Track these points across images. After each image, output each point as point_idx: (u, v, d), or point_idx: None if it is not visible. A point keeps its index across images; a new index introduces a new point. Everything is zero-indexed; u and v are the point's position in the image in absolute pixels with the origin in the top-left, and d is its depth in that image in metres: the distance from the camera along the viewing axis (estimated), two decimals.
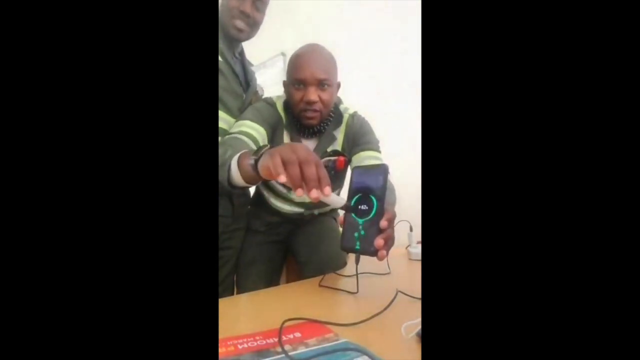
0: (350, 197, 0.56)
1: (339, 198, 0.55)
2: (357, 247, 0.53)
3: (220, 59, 0.87)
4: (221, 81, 0.86)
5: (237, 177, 0.56)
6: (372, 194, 0.53)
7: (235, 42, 0.91)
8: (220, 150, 0.67)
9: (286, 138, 0.88)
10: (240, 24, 0.85)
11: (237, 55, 0.96)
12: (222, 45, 0.88)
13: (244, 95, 0.93)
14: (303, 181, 0.45)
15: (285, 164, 0.45)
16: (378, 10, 1.76)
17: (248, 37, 0.90)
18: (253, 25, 0.87)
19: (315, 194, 0.45)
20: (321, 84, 0.79)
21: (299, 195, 0.45)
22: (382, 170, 0.55)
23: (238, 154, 0.57)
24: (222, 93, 0.85)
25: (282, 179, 0.45)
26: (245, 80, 0.96)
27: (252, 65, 1.05)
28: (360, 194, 0.55)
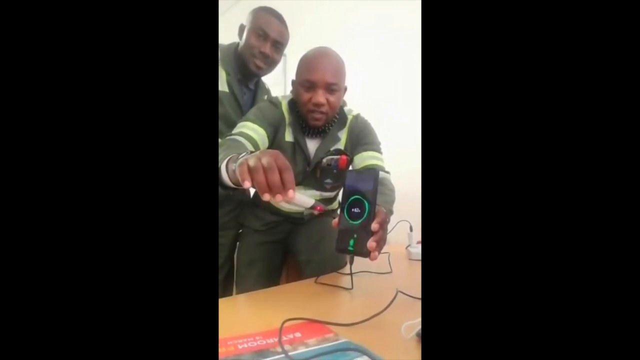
0: (343, 200, 0.58)
1: (307, 198, 0.58)
2: (351, 248, 0.55)
3: (227, 89, 0.94)
4: (219, 109, 0.91)
5: (226, 179, 0.60)
6: (364, 197, 0.55)
7: (252, 75, 0.98)
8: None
9: (289, 137, 0.88)
10: (259, 63, 0.94)
11: (251, 86, 1.03)
12: (239, 76, 0.96)
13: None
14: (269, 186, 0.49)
15: (251, 172, 0.48)
16: (380, 13, 1.77)
17: (265, 74, 0.99)
18: (271, 64, 0.97)
19: (279, 198, 0.49)
20: (330, 88, 0.80)
21: (265, 199, 0.49)
22: (373, 174, 0.57)
23: (227, 158, 0.58)
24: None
25: (247, 185, 0.48)
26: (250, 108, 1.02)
27: (267, 93, 1.09)
28: (353, 197, 0.57)
